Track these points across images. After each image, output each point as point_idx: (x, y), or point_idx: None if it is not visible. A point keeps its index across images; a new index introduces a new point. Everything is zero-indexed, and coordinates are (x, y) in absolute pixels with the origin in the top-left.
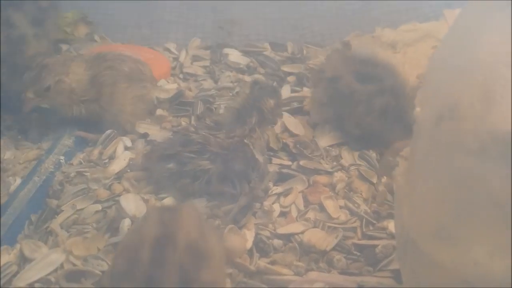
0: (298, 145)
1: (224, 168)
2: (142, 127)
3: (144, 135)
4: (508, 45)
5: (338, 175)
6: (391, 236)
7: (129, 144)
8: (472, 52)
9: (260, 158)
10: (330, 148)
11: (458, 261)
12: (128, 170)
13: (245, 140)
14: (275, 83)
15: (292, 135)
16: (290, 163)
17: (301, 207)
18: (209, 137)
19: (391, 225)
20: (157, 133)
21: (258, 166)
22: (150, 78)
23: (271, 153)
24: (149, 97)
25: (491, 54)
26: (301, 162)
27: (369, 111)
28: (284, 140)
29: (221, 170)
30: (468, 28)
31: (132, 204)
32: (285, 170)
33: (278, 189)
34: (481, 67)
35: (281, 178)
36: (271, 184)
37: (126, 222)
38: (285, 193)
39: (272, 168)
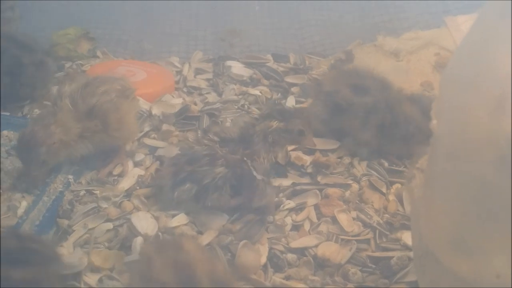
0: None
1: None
2: (149, 143)
3: (152, 151)
4: None
5: (350, 186)
6: (406, 247)
7: (137, 160)
8: (486, 63)
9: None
10: (339, 159)
11: (479, 273)
12: (138, 187)
13: (245, 158)
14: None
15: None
16: (303, 178)
17: (314, 219)
18: (214, 147)
19: (404, 236)
20: (165, 149)
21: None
22: (133, 92)
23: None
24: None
25: (505, 64)
26: (314, 176)
27: (367, 125)
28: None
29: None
30: (481, 39)
31: (144, 222)
32: (298, 186)
33: (291, 204)
34: (496, 77)
35: (295, 192)
36: (284, 199)
37: (139, 241)
38: (298, 207)
39: (285, 183)
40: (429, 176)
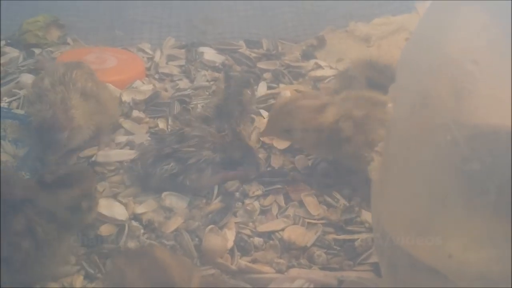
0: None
1: (226, 156)
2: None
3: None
4: (474, 41)
5: None
6: (371, 229)
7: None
8: (442, 48)
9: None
10: None
11: (433, 254)
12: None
13: (237, 130)
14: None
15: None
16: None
17: (282, 204)
18: (206, 129)
19: (370, 219)
20: (135, 135)
21: (253, 154)
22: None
23: None
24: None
25: (459, 50)
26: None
27: None
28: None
29: (224, 158)
30: (437, 23)
31: (112, 208)
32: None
33: (259, 191)
34: (450, 63)
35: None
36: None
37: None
38: (266, 193)
39: None
40: (385, 159)
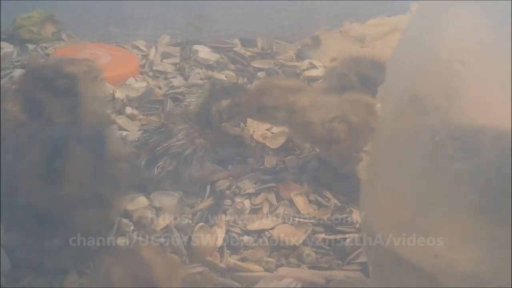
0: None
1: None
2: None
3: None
4: (464, 41)
5: None
6: (361, 229)
7: None
8: (431, 47)
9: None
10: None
11: (419, 254)
12: None
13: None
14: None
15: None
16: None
17: (273, 202)
18: (189, 121)
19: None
20: (129, 132)
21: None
22: (100, 73)
23: None
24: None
25: (447, 51)
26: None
27: None
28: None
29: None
30: (427, 23)
31: None
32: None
33: (250, 189)
34: (439, 64)
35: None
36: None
37: None
38: (258, 191)
39: None
40: (373, 158)
